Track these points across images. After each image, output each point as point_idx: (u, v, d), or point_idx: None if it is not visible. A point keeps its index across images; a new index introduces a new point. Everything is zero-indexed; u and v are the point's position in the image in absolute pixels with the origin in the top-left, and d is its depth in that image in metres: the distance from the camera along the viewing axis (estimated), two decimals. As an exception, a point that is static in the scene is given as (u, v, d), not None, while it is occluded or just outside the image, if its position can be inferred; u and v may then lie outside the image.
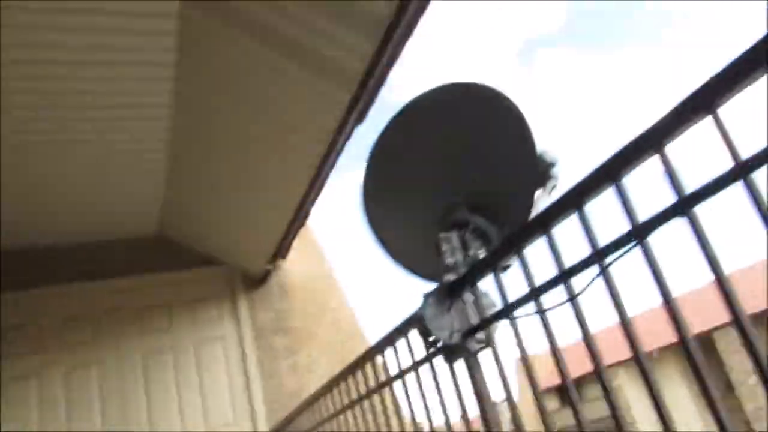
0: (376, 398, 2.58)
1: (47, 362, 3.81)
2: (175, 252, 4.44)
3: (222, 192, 3.93)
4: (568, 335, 1.52)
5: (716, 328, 15.95)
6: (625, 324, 1.14)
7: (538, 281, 1.37)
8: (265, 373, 4.28)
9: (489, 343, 1.59)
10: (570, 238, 1.26)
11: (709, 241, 0.96)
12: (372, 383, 2.49)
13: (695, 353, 1.01)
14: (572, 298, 1.25)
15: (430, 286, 1.76)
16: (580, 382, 16.38)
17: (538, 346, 1.80)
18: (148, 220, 4.34)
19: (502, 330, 1.66)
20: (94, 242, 4.24)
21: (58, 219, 3.98)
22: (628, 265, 1.11)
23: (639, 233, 1.07)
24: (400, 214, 2.19)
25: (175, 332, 4.18)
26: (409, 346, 2.03)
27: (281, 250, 4.37)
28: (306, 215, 3.86)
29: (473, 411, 1.85)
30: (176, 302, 4.27)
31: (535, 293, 1.36)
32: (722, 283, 0.94)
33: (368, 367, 2.53)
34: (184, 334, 4.20)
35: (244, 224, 4.26)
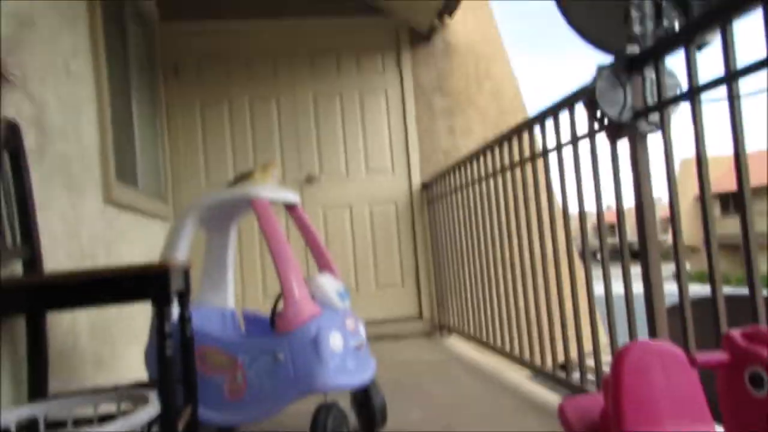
0: (527, 170, 2.57)
1: (236, 91, 4.30)
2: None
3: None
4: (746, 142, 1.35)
5: None
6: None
7: (739, 64, 1.19)
8: (422, 130, 4.42)
9: (662, 127, 1.47)
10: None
11: None
12: (526, 154, 2.47)
13: None
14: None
15: (607, 58, 1.61)
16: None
17: (710, 147, 1.63)
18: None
19: (678, 117, 1.52)
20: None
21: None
22: None
23: None
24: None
25: (342, 79, 4.37)
26: (572, 121, 1.94)
27: (448, 7, 4.17)
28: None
29: (627, 201, 1.79)
30: (344, 48, 4.39)
31: (732, 76, 1.20)
32: None
33: (525, 137, 2.49)
34: (350, 81, 4.38)
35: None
